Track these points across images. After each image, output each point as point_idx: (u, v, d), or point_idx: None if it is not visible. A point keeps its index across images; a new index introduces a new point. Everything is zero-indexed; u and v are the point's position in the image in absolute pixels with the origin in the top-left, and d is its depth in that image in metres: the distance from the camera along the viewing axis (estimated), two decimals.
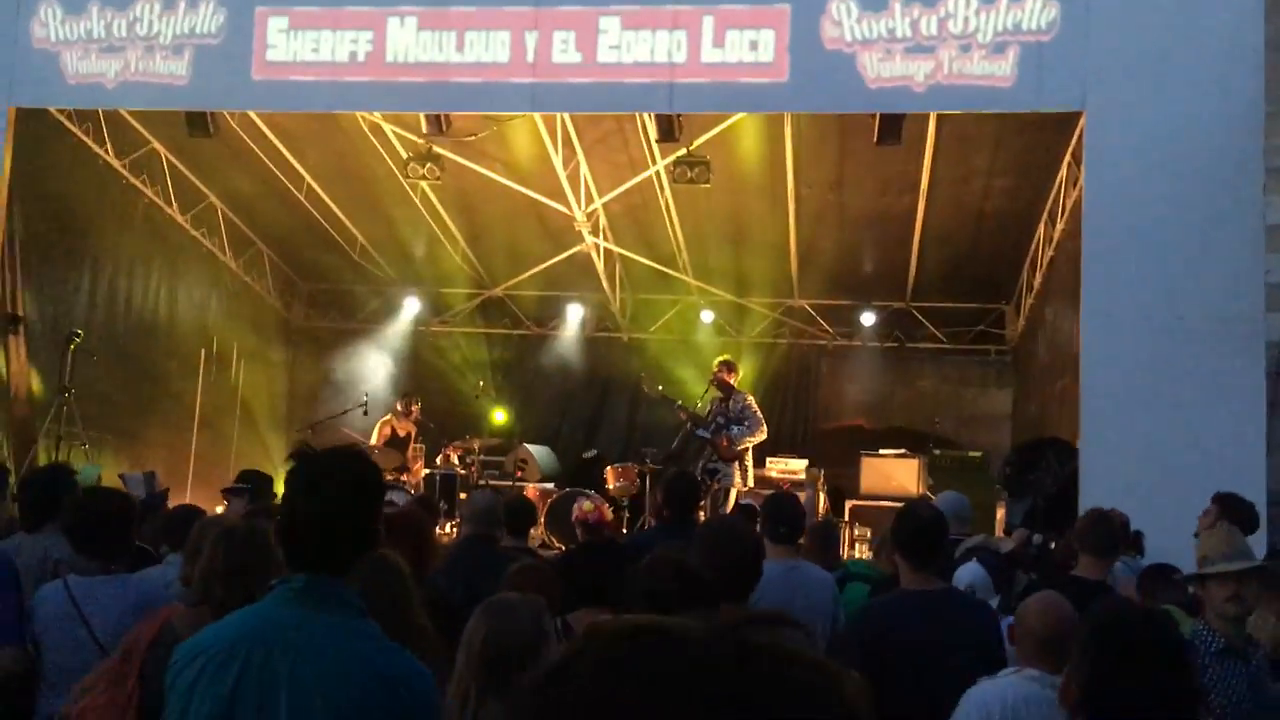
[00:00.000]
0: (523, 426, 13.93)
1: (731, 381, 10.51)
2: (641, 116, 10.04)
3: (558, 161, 10.82)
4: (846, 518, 11.10)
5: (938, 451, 11.74)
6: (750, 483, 10.44)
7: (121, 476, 8.73)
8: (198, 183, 12.63)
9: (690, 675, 0.86)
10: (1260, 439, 7.19)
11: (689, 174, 10.27)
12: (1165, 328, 7.45)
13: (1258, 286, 7.40)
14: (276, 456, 13.27)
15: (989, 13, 7.96)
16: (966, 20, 7.99)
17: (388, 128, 11.01)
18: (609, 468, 11.58)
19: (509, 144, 11.04)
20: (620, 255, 13.62)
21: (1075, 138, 8.93)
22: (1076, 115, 8.21)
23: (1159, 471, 7.09)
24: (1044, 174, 10.71)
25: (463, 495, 10.98)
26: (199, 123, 9.73)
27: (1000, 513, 9.74)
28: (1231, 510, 5.48)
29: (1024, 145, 10.16)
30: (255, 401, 14.09)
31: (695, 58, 8.34)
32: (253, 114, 10.59)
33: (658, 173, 11.26)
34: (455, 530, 10.31)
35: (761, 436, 10.57)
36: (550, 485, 11.99)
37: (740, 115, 9.82)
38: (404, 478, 11.71)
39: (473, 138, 10.65)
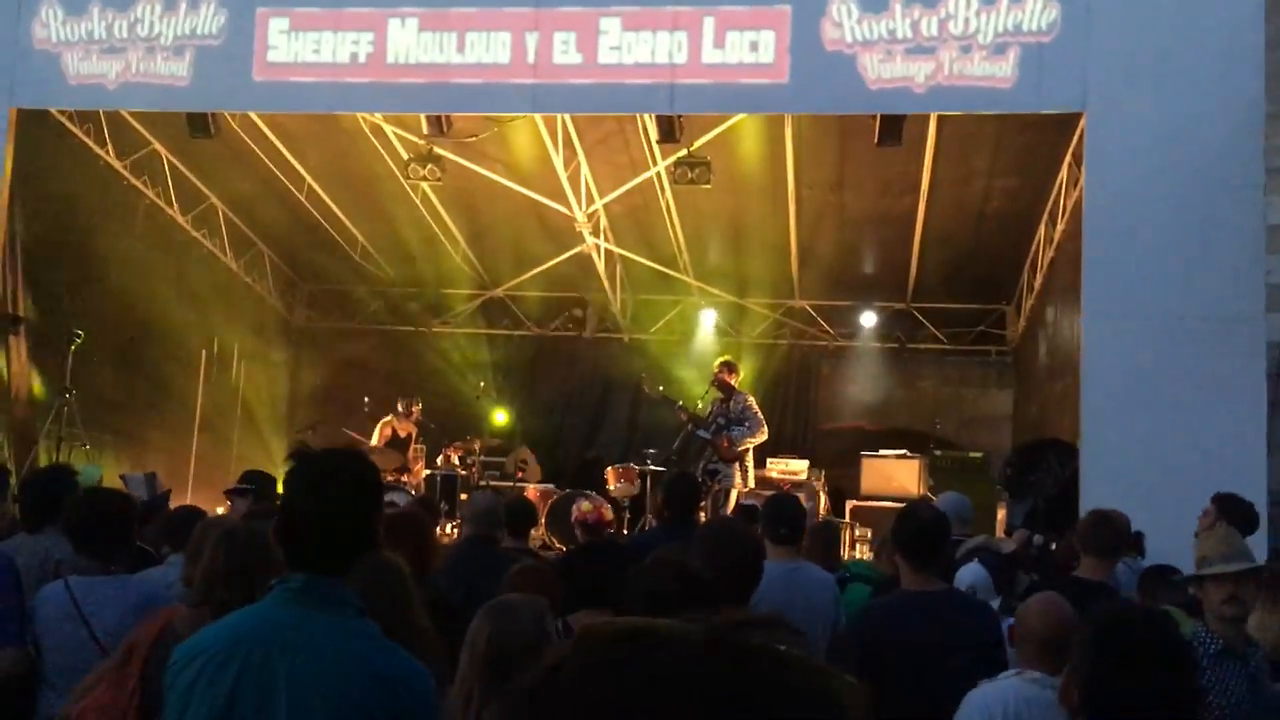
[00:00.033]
0: (523, 427, 13.95)
1: (732, 382, 10.50)
2: (642, 117, 10.05)
3: (558, 162, 10.83)
4: (847, 518, 11.10)
5: (938, 452, 11.75)
6: (751, 483, 10.44)
7: (123, 477, 8.74)
8: (199, 184, 12.64)
9: (683, 678, 0.86)
10: (1261, 439, 7.19)
11: (690, 175, 10.28)
12: (1166, 328, 7.45)
13: (1258, 287, 7.40)
14: (277, 457, 13.26)
15: (989, 14, 7.96)
16: (967, 21, 7.99)
17: (388, 129, 11.02)
18: (610, 468, 11.59)
19: (510, 145, 11.04)
20: (621, 256, 13.63)
21: (1076, 138, 8.93)
22: (1077, 116, 8.21)
23: (1160, 472, 7.09)
24: (1044, 175, 10.72)
25: (463, 496, 10.99)
26: (200, 124, 9.73)
27: (1001, 514, 9.74)
28: (1230, 510, 5.48)
29: (1024, 146, 10.17)
30: (256, 402, 14.10)
31: (696, 59, 8.34)
32: (254, 115, 10.60)
33: (658, 173, 11.27)
34: (456, 531, 10.32)
35: (762, 437, 10.57)
36: (551, 486, 12.00)
37: (741, 116, 9.83)
38: (405, 478, 11.71)
39: (473, 139, 10.66)
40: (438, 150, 10.90)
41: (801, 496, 7.60)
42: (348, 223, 13.55)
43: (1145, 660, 2.75)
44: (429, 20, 8.72)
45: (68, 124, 10.34)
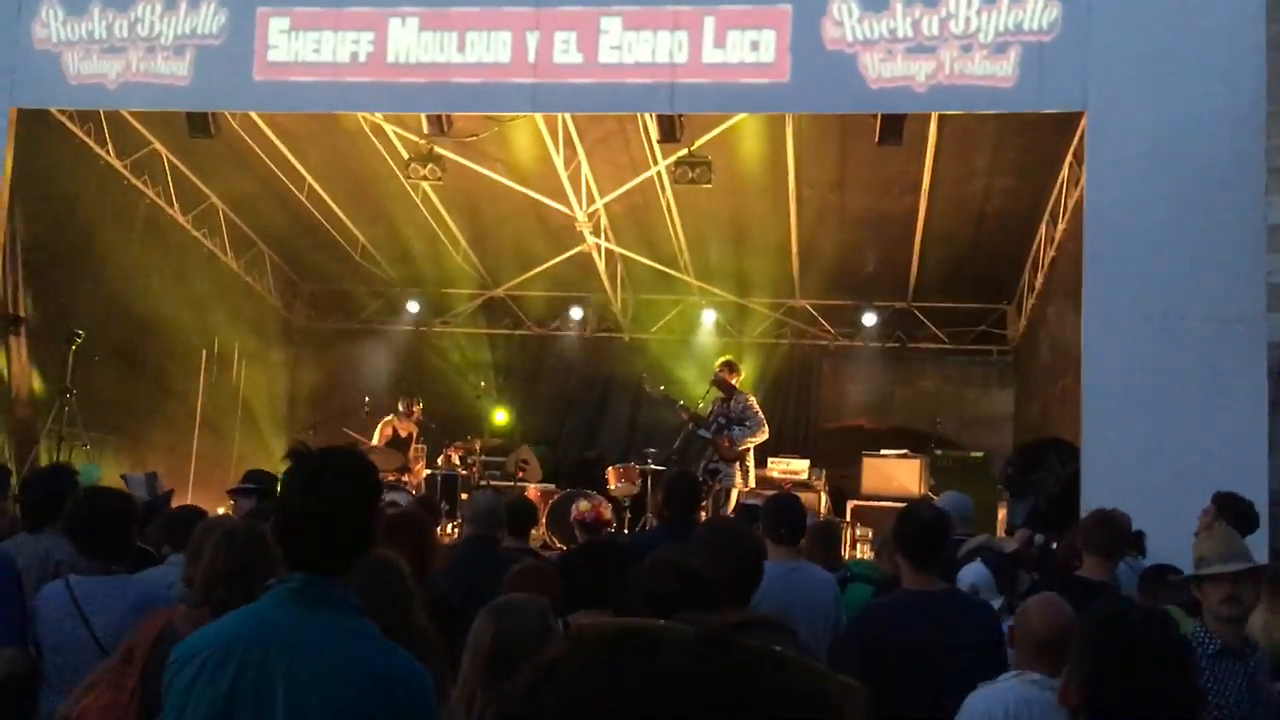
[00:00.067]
0: (524, 427, 13.95)
1: (733, 382, 10.50)
2: (643, 117, 10.04)
3: (559, 162, 10.83)
4: (848, 518, 11.09)
5: (939, 452, 11.74)
6: (752, 483, 10.43)
7: (123, 477, 8.73)
8: (199, 183, 12.64)
9: (678, 679, 0.86)
10: (1261, 439, 7.18)
11: (690, 174, 10.27)
12: (1166, 328, 7.45)
13: (1259, 286, 7.39)
14: (278, 457, 13.25)
15: (990, 13, 7.96)
16: (968, 20, 7.99)
17: (389, 128, 11.01)
18: (610, 468, 11.59)
19: (510, 144, 11.04)
20: (622, 255, 13.63)
21: (1076, 138, 8.93)
22: (1078, 115, 8.20)
23: (1161, 471, 7.08)
24: (1045, 174, 10.71)
25: (464, 496, 10.99)
26: (200, 123, 9.73)
27: (1002, 513, 9.73)
28: (1230, 510, 5.47)
29: (1025, 145, 10.16)
30: (256, 402, 14.10)
31: (696, 58, 8.34)
32: (254, 115, 10.59)
33: (659, 173, 11.26)
34: (456, 531, 10.32)
35: (763, 437, 10.56)
36: (551, 486, 12.00)
37: (741, 116, 9.82)
38: (405, 478, 11.71)
39: (474, 138, 10.65)
40: (438, 150, 10.90)
41: (802, 496, 7.58)
42: (348, 222, 13.55)
43: (1145, 660, 2.75)
44: (429, 20, 8.72)
45: (68, 124, 10.34)
